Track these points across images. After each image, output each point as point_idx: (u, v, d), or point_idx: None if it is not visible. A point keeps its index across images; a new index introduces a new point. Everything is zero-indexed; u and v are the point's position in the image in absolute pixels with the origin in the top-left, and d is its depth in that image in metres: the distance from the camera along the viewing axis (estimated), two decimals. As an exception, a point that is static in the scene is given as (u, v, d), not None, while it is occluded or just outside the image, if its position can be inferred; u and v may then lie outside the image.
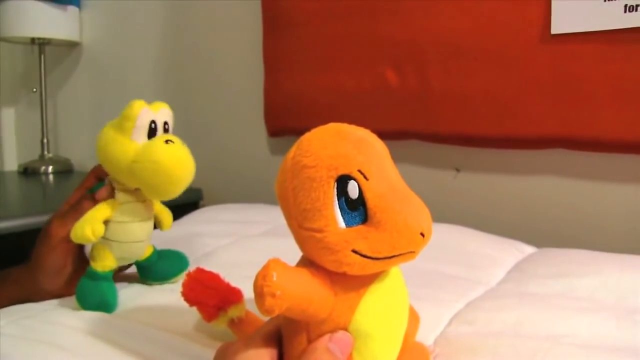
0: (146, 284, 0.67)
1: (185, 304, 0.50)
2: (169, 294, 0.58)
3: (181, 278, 0.66)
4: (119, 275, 0.67)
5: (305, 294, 0.35)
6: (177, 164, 0.56)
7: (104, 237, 0.59)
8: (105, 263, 0.60)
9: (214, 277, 0.50)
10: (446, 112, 1.06)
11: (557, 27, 0.92)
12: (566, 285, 0.67)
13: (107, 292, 0.59)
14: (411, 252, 0.36)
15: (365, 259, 0.35)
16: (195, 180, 0.60)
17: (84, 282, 0.59)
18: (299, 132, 0.39)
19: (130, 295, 0.62)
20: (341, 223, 0.35)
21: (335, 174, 0.35)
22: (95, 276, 0.60)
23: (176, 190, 0.58)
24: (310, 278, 0.36)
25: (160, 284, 0.67)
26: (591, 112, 0.92)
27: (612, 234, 0.97)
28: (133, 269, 0.68)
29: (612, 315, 0.56)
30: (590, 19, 0.89)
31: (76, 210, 0.59)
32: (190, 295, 0.50)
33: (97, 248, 0.61)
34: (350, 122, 0.40)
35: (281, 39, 1.27)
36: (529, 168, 1.05)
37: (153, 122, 0.58)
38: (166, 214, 0.67)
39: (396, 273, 0.40)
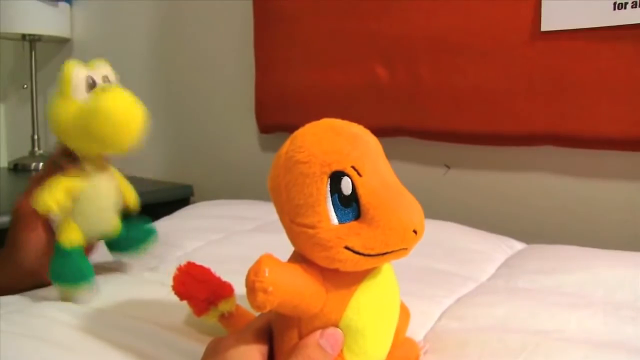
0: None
1: (175, 298, 0.50)
2: (159, 288, 0.58)
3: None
4: (101, 266, 0.67)
5: (297, 289, 0.35)
6: (119, 106, 0.55)
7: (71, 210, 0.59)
8: (71, 237, 0.59)
9: (204, 271, 0.50)
10: (436, 109, 1.07)
11: (547, 24, 0.93)
12: (555, 281, 0.67)
13: (81, 264, 0.59)
14: (404, 249, 0.36)
15: (357, 256, 0.35)
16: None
17: (55, 261, 0.58)
18: (290, 128, 0.39)
19: (120, 288, 0.62)
20: (334, 219, 0.35)
21: (328, 170, 0.35)
22: (64, 252, 0.59)
23: (127, 136, 0.56)
24: (302, 274, 0.36)
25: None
26: (580, 109, 0.93)
27: (601, 229, 0.98)
28: (112, 263, 0.68)
29: (599, 311, 0.57)
30: (579, 16, 0.90)
31: (43, 182, 0.58)
32: (180, 289, 0.49)
33: (63, 221, 0.60)
34: (341, 118, 0.40)
35: (272, 35, 1.27)
36: (518, 165, 1.05)
37: (90, 78, 0.58)
38: (129, 191, 0.67)
39: (388, 269, 0.41)
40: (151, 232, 0.69)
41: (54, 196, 0.57)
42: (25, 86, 1.76)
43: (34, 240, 0.60)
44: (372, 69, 1.12)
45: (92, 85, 0.58)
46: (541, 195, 1.04)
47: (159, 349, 0.49)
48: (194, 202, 1.41)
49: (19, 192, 0.63)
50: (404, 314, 0.46)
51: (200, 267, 0.50)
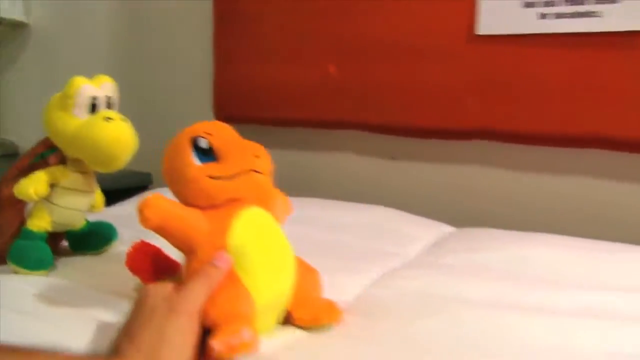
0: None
1: (129, 272, 0.56)
2: (115, 263, 0.62)
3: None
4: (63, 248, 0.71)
5: (178, 213, 0.48)
6: (115, 142, 0.59)
7: (46, 200, 0.63)
8: (40, 223, 0.63)
9: (155, 250, 0.56)
10: (383, 105, 1.14)
11: (481, 29, 1.01)
12: (477, 258, 0.74)
13: (42, 251, 0.63)
14: (254, 170, 0.50)
15: (218, 181, 0.49)
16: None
17: (20, 243, 0.62)
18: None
19: (80, 264, 0.67)
20: (197, 162, 0.49)
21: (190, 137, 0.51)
22: (31, 235, 0.63)
23: (117, 164, 0.61)
24: (183, 206, 0.49)
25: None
26: (511, 108, 1.01)
27: (527, 214, 1.07)
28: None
29: (510, 282, 0.65)
30: (510, 23, 0.99)
31: (26, 172, 0.62)
32: (133, 264, 0.56)
33: (36, 209, 0.64)
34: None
35: (231, 32, 1.31)
36: (456, 157, 1.14)
37: (94, 98, 0.60)
38: (99, 196, 0.71)
39: (267, 217, 0.52)
40: (113, 232, 0.72)
41: (36, 187, 0.61)
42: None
43: (9, 224, 0.64)
44: (325, 66, 1.18)
45: (94, 106, 0.60)
46: (476, 185, 1.12)
47: (113, 312, 0.53)
48: (153, 189, 1.44)
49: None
50: (310, 273, 0.54)
51: (152, 245, 0.57)
